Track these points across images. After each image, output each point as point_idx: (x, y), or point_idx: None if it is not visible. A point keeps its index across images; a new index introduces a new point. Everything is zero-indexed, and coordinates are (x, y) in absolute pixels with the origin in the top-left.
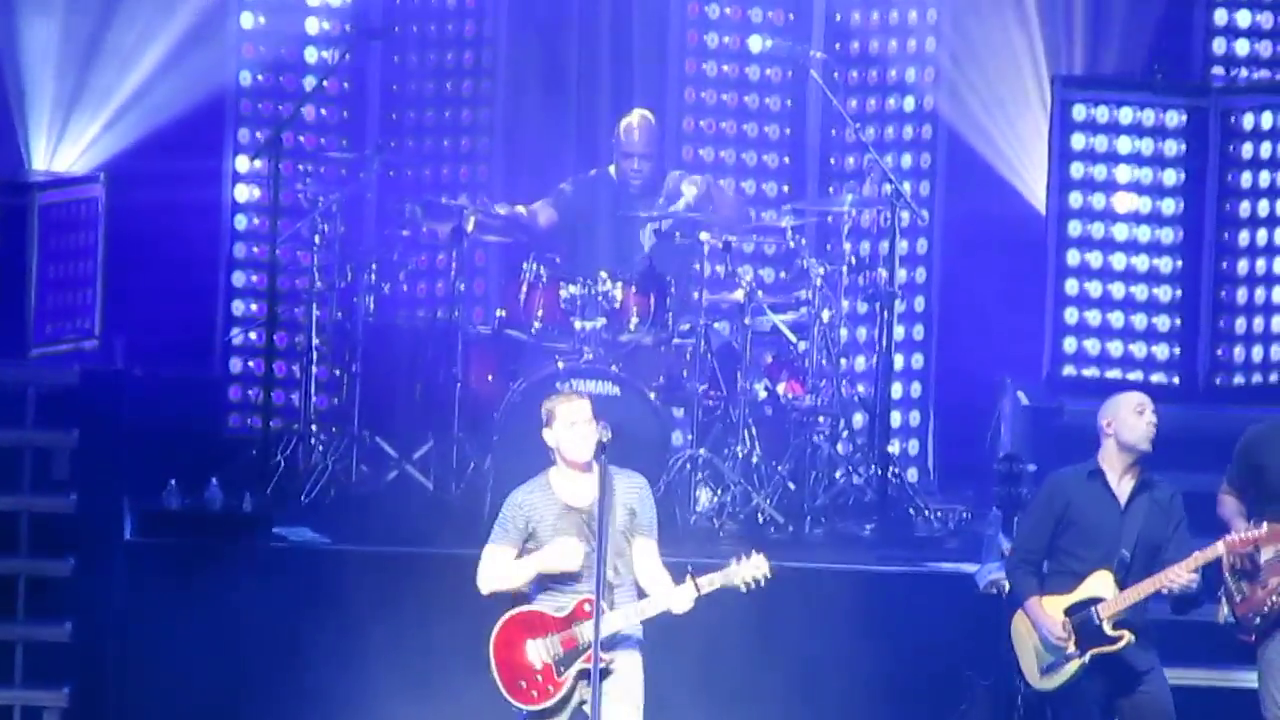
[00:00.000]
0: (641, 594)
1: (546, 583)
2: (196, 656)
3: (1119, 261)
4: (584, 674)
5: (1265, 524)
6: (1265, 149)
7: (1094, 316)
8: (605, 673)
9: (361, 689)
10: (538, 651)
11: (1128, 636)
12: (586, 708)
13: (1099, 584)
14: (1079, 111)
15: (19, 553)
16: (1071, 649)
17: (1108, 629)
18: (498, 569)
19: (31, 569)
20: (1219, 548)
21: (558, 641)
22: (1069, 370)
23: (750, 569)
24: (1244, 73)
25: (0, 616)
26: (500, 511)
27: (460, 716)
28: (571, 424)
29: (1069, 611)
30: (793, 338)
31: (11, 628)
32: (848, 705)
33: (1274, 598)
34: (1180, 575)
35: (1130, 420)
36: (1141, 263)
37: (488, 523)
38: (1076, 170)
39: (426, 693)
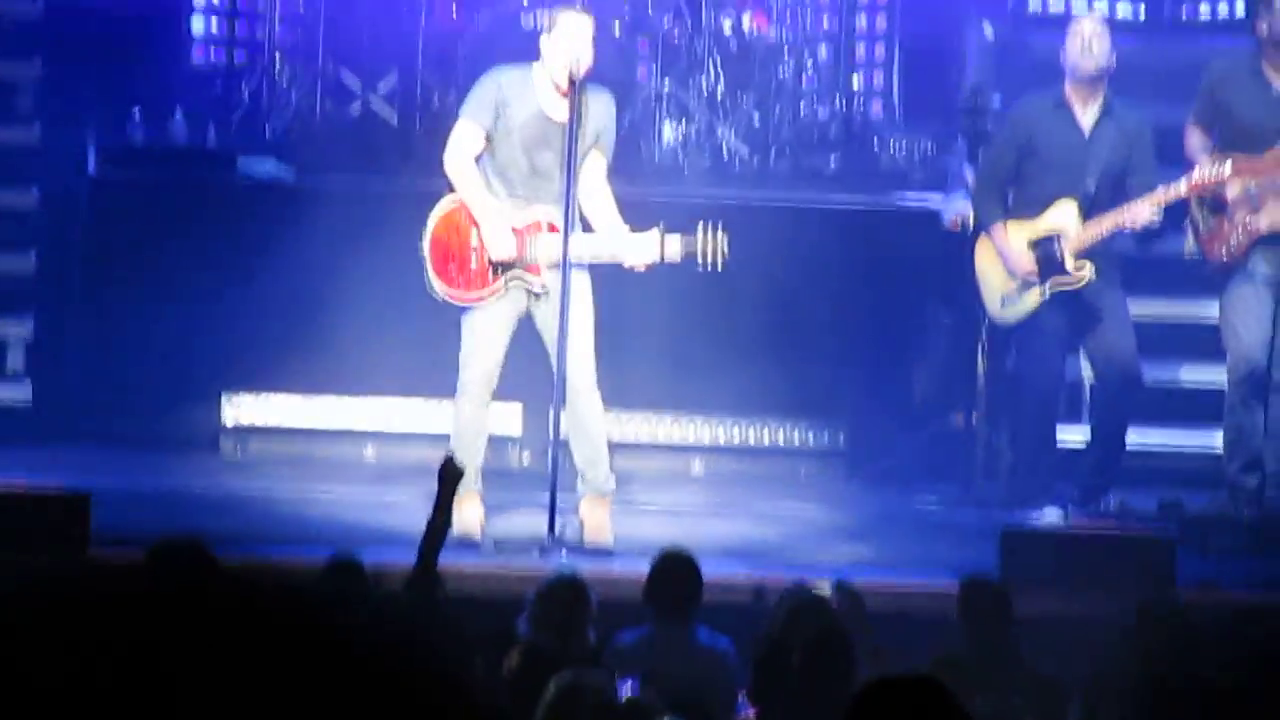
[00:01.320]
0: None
1: (494, 185)
2: (159, 290)
3: None
4: (516, 280)
5: (1229, 162)
6: None
7: None
8: (580, 282)
9: (325, 323)
10: (480, 245)
11: (1089, 269)
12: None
13: (1063, 215)
14: None
15: None
16: (1034, 281)
17: (1070, 262)
18: (459, 160)
19: None
20: (1181, 187)
21: (513, 242)
22: (1035, 4)
23: (713, 245)
24: None
25: None
26: (476, 84)
27: (429, 341)
28: (570, 35)
29: (1032, 244)
30: None
31: None
32: (814, 339)
33: (1239, 232)
34: (1142, 212)
35: (1070, 45)
36: None
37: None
38: None
39: (389, 324)
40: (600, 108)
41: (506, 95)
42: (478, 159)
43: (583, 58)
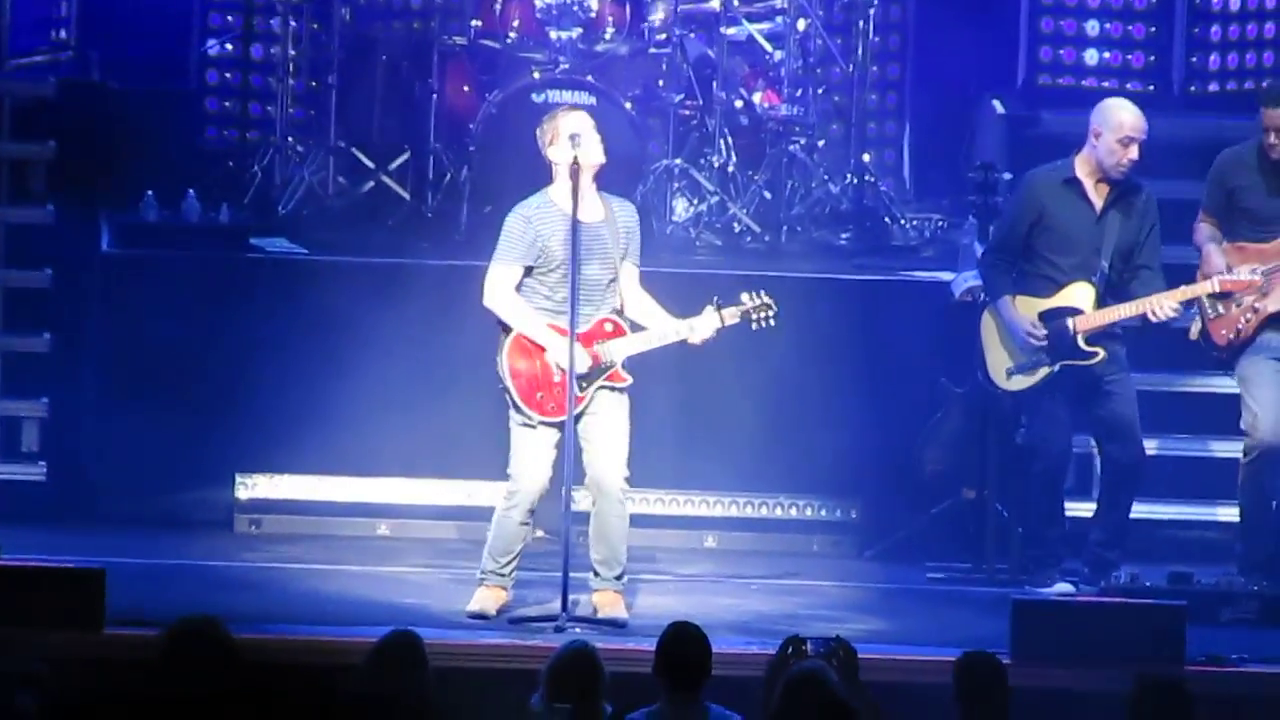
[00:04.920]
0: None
1: (543, 301)
2: (173, 368)
3: None
4: (602, 388)
5: (1259, 269)
6: None
7: (1070, 25)
8: (620, 390)
9: (339, 398)
10: (559, 364)
11: (1101, 354)
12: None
13: (1078, 295)
14: None
15: None
16: (1043, 355)
17: (1081, 343)
18: (505, 297)
19: (9, 281)
20: (1213, 285)
21: (582, 351)
22: (1045, 79)
23: (764, 307)
24: None
25: None
26: (505, 227)
27: (442, 419)
28: (585, 131)
29: (1044, 317)
30: (768, 47)
31: None
32: (824, 413)
33: (1248, 316)
34: (1165, 306)
35: (1113, 145)
36: None
37: (465, 233)
38: None
39: (403, 402)
40: (626, 217)
41: (538, 228)
42: (519, 293)
43: (593, 149)
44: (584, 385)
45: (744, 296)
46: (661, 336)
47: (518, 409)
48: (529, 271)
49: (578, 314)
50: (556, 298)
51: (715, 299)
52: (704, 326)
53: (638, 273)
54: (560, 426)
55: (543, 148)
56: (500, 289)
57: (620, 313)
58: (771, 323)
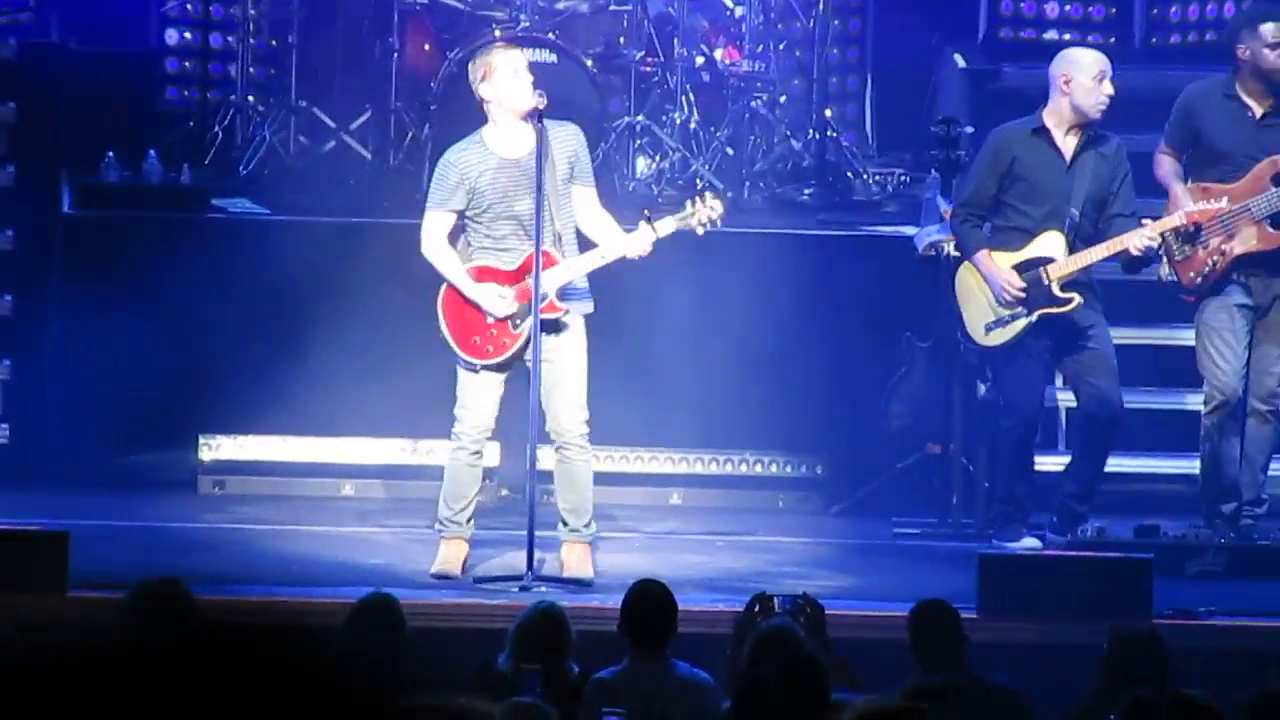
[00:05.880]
0: (586, 245)
1: (483, 240)
2: (136, 329)
3: None
4: (546, 326)
5: (1225, 198)
6: None
7: None
8: (558, 325)
9: (303, 358)
10: (487, 309)
11: (1076, 299)
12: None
13: (1049, 243)
14: None
15: None
16: (1020, 307)
17: (1056, 290)
18: (435, 243)
19: None
20: (1179, 219)
21: (511, 294)
22: (1006, 32)
23: (705, 210)
24: None
25: None
26: (434, 173)
27: (406, 378)
28: (514, 71)
29: (1018, 269)
30: (729, 2)
31: None
32: (789, 369)
33: (1214, 258)
34: (1139, 240)
35: (1088, 84)
36: None
37: (426, 191)
38: None
39: (370, 359)
40: (567, 139)
41: (465, 170)
42: (465, 235)
43: (525, 89)
44: (518, 322)
45: (686, 203)
46: (590, 261)
47: (456, 356)
48: (464, 214)
49: (528, 252)
50: (496, 235)
51: (646, 211)
52: (637, 242)
53: (592, 193)
54: (501, 368)
55: (474, 84)
56: (431, 236)
57: (555, 243)
58: (717, 223)
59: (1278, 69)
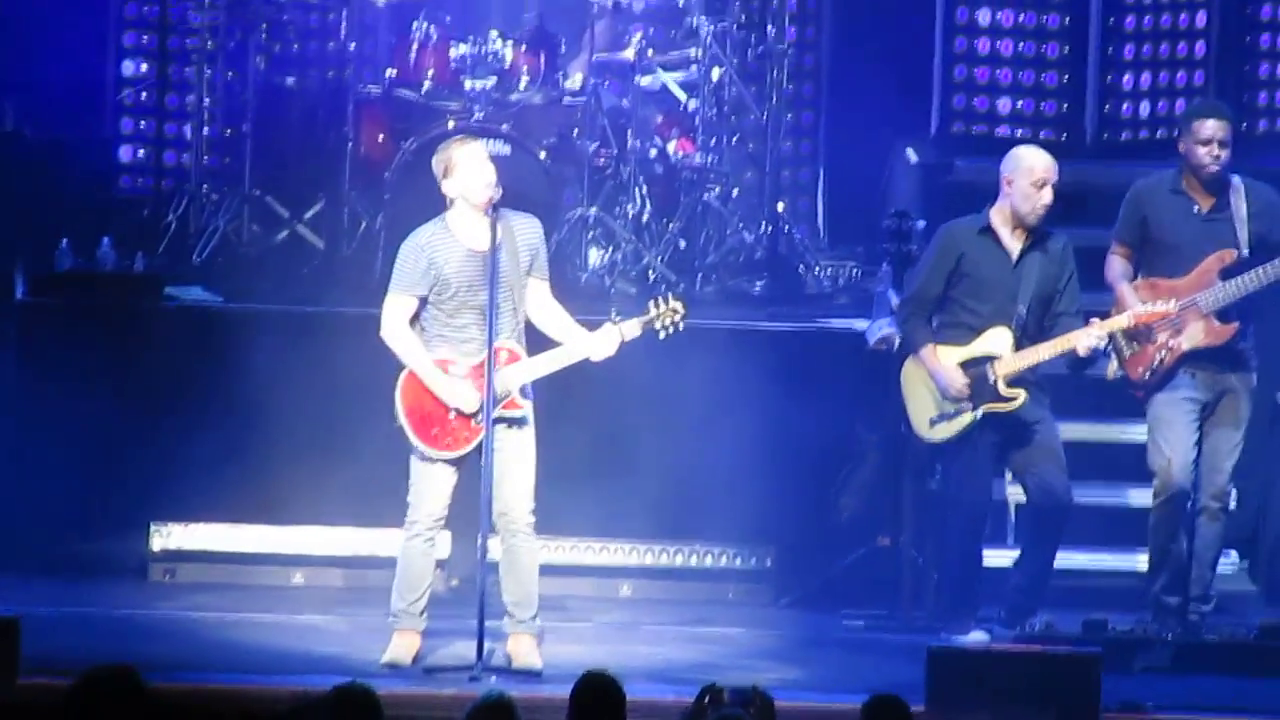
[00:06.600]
0: (535, 337)
1: (442, 329)
2: (89, 416)
3: (1007, 18)
4: (499, 420)
5: (1174, 301)
6: None
7: (983, 73)
8: (520, 421)
9: (255, 446)
10: (449, 402)
11: (1022, 396)
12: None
13: (996, 340)
14: None
15: None
16: (965, 403)
17: (1002, 387)
18: (396, 329)
19: None
20: (1126, 320)
21: (473, 388)
22: (958, 127)
23: (669, 313)
24: None
25: None
26: (398, 256)
27: (357, 467)
28: (479, 162)
29: (965, 365)
30: (681, 95)
31: None
32: (739, 461)
33: (1162, 353)
34: (1090, 340)
35: (1026, 189)
36: (1029, 19)
37: (379, 281)
38: None
39: (322, 447)
40: (527, 231)
41: (433, 256)
42: (420, 321)
43: (488, 182)
44: (479, 418)
45: (649, 305)
46: (555, 360)
47: (413, 445)
48: (426, 301)
49: (486, 346)
50: (456, 324)
51: (614, 312)
52: (603, 344)
53: (547, 286)
54: (457, 462)
55: (438, 179)
56: (392, 320)
57: (518, 338)
58: (680, 327)
59: (1204, 165)
